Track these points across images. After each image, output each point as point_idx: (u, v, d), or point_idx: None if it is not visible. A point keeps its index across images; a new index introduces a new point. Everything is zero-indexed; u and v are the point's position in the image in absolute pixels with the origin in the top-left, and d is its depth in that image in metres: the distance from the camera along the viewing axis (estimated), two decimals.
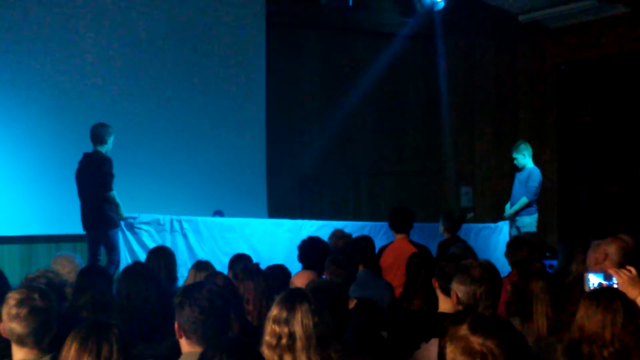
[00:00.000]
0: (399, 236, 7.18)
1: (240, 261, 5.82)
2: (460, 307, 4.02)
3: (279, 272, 5.56)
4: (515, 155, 9.59)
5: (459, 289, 4.00)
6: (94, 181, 7.79)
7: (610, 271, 3.59)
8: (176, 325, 3.36)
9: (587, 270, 4.49)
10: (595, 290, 3.35)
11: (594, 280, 3.61)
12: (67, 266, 5.78)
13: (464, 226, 9.17)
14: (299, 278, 4.83)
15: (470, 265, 4.09)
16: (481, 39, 12.44)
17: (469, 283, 3.96)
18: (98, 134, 7.82)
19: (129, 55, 9.71)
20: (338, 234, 7.12)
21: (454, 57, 12.22)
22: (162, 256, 5.89)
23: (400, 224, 7.20)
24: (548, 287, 3.88)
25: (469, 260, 4.33)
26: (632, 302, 3.22)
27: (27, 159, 9.04)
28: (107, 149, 7.85)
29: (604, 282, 3.56)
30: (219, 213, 9.35)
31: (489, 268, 4.09)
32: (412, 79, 12.17)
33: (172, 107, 9.95)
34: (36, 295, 3.47)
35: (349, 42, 11.67)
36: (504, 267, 6.58)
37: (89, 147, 7.86)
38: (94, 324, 3.08)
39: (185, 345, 3.35)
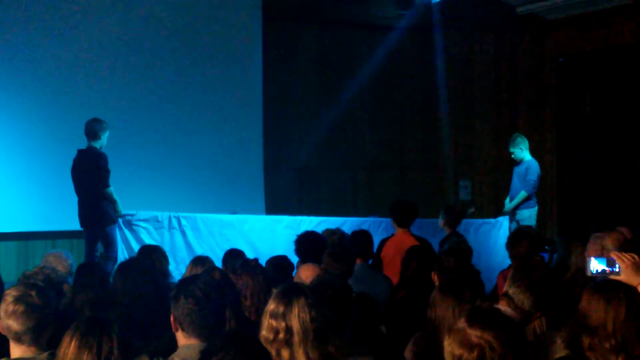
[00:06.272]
0: (401, 230, 7.09)
1: (232, 256, 5.77)
2: None
3: (282, 262, 5.49)
4: (512, 149, 9.49)
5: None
6: (90, 178, 7.74)
7: (613, 255, 3.48)
8: (172, 318, 3.33)
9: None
10: (598, 282, 3.29)
11: (596, 266, 3.50)
12: (58, 264, 5.71)
13: (464, 221, 9.11)
14: (305, 271, 4.73)
15: None
16: (479, 32, 12.39)
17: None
18: (92, 130, 7.76)
19: (123, 51, 9.69)
20: (327, 233, 6.93)
21: (451, 49, 12.18)
22: (152, 253, 5.81)
23: (402, 217, 7.14)
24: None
25: None
26: (635, 294, 3.17)
27: (22, 156, 9.01)
28: (101, 144, 7.79)
29: (607, 269, 3.45)
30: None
31: None
32: (409, 72, 12.12)
33: (167, 102, 9.93)
34: (33, 293, 3.45)
35: (345, 35, 11.62)
36: (504, 260, 6.56)
37: (84, 143, 7.81)
38: (92, 321, 3.07)
39: (181, 338, 3.31)
